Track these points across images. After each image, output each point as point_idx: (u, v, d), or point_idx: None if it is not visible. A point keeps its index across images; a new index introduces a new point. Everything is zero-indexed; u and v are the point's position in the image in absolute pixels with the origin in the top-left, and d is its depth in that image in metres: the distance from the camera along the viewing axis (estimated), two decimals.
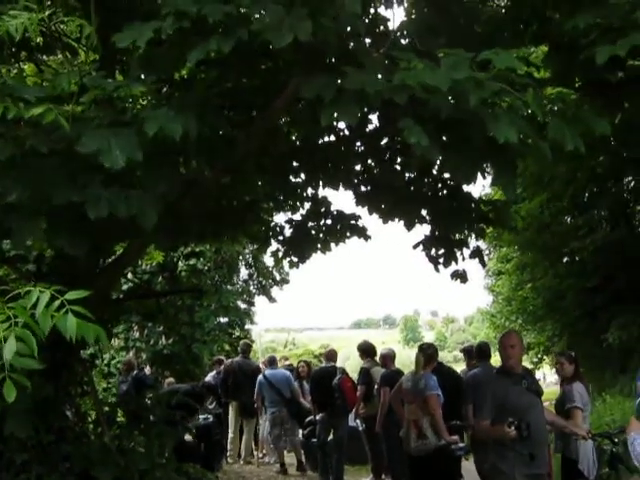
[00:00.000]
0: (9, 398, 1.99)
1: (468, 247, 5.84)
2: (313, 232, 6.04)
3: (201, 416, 8.65)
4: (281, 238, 6.18)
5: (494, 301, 22.03)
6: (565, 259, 15.47)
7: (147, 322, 13.27)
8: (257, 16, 3.17)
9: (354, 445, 8.66)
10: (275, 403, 9.11)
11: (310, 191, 5.96)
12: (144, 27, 3.06)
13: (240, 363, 9.88)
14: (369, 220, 21.28)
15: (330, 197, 6.04)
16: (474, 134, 3.20)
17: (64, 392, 4.88)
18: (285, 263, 6.55)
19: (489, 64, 3.07)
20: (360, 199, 5.68)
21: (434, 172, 5.46)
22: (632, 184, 14.07)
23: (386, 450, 7.89)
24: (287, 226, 6.13)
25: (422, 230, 5.78)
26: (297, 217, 6.16)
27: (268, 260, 17.82)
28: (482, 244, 10.73)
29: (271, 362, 9.59)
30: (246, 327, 20.28)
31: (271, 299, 21.03)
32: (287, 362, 11.70)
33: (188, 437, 7.13)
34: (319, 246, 5.98)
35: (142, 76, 3.58)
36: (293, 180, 5.83)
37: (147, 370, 13.86)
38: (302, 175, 5.77)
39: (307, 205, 6.11)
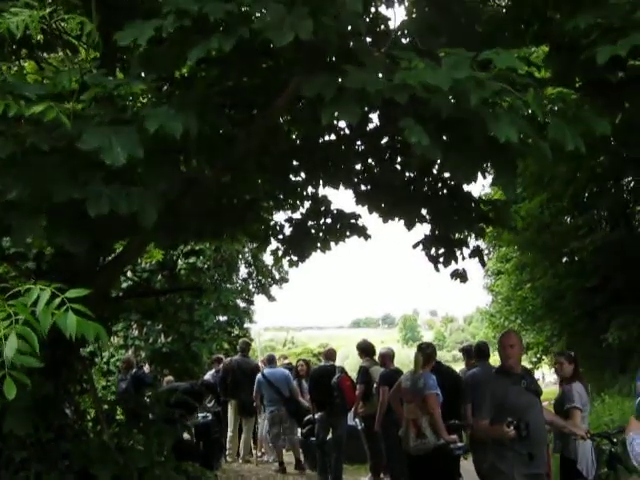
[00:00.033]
0: (9, 396, 1.99)
1: (468, 247, 5.85)
2: (313, 231, 6.04)
3: (200, 414, 8.65)
4: (281, 237, 6.19)
5: (493, 301, 22.01)
6: (565, 259, 15.46)
7: (146, 320, 13.29)
8: (258, 15, 3.17)
9: (353, 444, 8.65)
10: (274, 402, 9.10)
11: (310, 190, 5.97)
12: (145, 25, 3.07)
13: (239, 362, 9.84)
14: (369, 219, 21.11)
15: (330, 196, 6.05)
16: (475, 134, 3.20)
17: (64, 390, 4.87)
18: (285, 262, 6.56)
19: (490, 64, 3.07)
20: (360, 198, 5.69)
21: (434, 171, 5.47)
22: (632, 184, 14.06)
23: (385, 449, 7.90)
24: (287, 225, 6.14)
25: (422, 229, 5.81)
26: (297, 216, 6.17)
27: (268, 259, 17.92)
28: (482, 244, 10.72)
29: (270, 361, 9.57)
30: (245, 326, 20.33)
31: (270, 298, 21.08)
32: (286, 361, 11.71)
33: (187, 435, 7.12)
34: (319, 245, 5.98)
35: (143, 74, 3.59)
36: (293, 179, 5.83)
37: (146, 368, 13.84)
38: (302, 174, 5.77)
39: (307, 204, 6.12)
